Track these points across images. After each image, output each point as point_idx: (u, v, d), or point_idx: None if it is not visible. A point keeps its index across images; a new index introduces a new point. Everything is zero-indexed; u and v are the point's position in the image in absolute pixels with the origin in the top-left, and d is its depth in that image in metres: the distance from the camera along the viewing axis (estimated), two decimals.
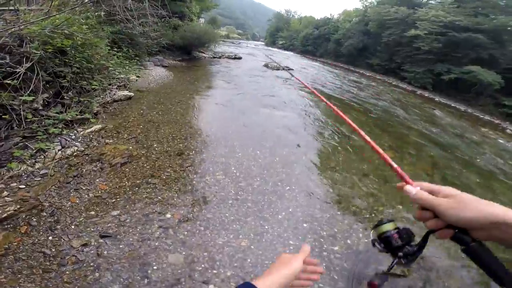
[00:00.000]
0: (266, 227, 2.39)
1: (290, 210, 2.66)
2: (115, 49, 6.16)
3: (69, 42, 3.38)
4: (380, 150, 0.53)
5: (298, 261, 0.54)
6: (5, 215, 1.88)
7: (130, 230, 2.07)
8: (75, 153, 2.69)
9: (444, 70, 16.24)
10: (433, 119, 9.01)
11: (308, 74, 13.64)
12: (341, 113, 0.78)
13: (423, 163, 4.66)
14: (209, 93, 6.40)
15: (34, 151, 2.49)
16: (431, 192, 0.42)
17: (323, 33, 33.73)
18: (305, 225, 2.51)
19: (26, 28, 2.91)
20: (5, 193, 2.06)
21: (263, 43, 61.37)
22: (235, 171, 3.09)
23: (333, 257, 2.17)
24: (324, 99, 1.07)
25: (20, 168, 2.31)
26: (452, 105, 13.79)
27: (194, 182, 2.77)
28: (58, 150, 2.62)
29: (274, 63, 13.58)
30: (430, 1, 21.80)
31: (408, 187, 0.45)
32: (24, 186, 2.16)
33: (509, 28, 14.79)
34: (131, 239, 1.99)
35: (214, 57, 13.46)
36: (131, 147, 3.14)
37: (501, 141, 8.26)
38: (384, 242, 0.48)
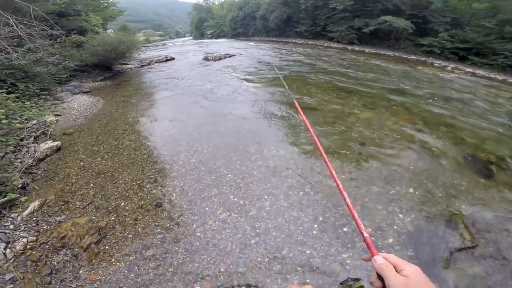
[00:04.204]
0: (308, 251, 1.95)
1: (321, 219, 2.25)
2: (6, 89, 4.78)
3: None
4: (362, 229, 0.53)
5: None
6: None
7: None
8: (28, 246, 2.11)
9: (362, 24, 17.81)
10: (376, 69, 9.73)
11: (252, 56, 13.05)
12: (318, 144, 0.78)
13: (402, 114, 4.72)
14: (155, 109, 5.32)
15: None
16: (396, 266, 0.45)
17: (248, 13, 33.22)
18: (345, 229, 2.17)
19: None
20: None
21: (190, 37, 57.25)
22: (236, 199, 2.48)
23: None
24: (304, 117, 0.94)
25: None
26: (381, 52, 15.34)
27: (198, 234, 2.09)
28: (4, 249, 2.08)
29: (213, 53, 12.54)
30: None
31: (376, 257, 0.48)
32: None
33: None
34: None
35: (142, 65, 11.64)
36: (93, 217, 2.34)
37: (440, 74, 9.61)
38: None
